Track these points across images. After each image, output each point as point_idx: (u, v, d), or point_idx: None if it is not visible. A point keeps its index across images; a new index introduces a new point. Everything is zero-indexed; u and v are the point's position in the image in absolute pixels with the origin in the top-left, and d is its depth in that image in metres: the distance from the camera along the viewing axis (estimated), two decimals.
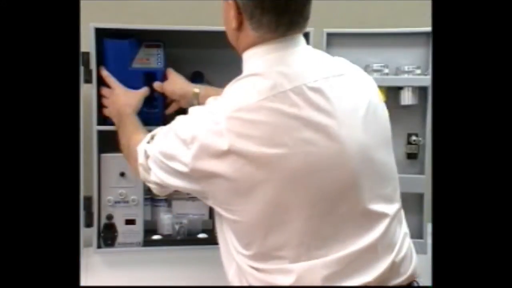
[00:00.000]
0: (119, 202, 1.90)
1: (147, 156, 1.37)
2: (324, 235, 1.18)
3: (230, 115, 1.18)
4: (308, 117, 1.16)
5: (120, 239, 1.88)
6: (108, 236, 1.89)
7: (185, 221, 1.96)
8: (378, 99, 1.28)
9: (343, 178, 1.16)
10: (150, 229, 1.96)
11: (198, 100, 1.67)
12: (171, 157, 1.26)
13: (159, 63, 1.83)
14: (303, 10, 1.25)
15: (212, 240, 1.94)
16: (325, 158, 1.16)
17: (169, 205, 2.02)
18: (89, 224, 1.88)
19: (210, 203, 1.28)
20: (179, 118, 1.32)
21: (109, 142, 1.95)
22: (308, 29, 1.91)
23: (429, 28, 1.76)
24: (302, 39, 1.30)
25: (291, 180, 1.15)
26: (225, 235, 1.31)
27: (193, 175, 1.22)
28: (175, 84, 1.77)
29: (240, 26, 1.26)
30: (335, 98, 1.19)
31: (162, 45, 1.87)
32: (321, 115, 1.17)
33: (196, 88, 1.72)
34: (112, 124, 1.90)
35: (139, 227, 1.92)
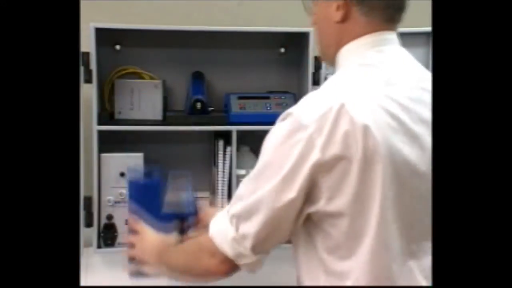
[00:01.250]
0: (119, 202, 1.90)
1: (236, 224, 1.15)
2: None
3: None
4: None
5: (120, 239, 1.88)
6: (108, 236, 1.89)
7: None
8: None
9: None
10: None
11: None
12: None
13: (190, 207, 1.55)
14: None
15: None
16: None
17: None
18: (89, 224, 1.88)
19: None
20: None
21: (109, 142, 1.96)
22: (308, 29, 1.93)
23: (429, 28, 1.75)
24: (396, 39, 1.23)
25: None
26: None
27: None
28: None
29: (346, 16, 1.18)
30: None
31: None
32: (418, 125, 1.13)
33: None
34: (112, 124, 1.90)
35: None
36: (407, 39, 1.93)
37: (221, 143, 1.92)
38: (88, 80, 1.84)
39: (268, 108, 1.97)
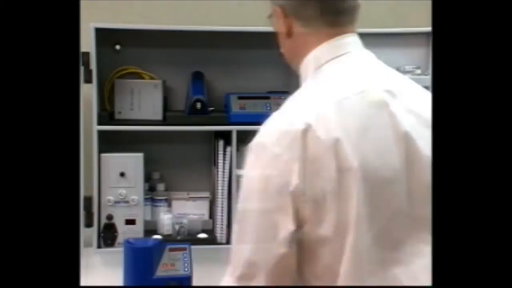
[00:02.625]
0: (119, 202, 1.90)
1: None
2: None
3: None
4: None
5: (120, 239, 1.88)
6: (108, 236, 1.89)
7: (185, 221, 1.96)
8: None
9: None
10: (150, 229, 1.96)
11: None
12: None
13: (186, 269, 1.59)
14: None
15: (211, 240, 1.95)
16: None
17: (169, 205, 2.03)
18: (89, 224, 1.88)
19: None
20: None
21: (109, 142, 1.96)
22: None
23: (429, 28, 1.76)
24: (357, 41, 1.20)
25: None
26: None
27: None
28: None
29: (290, 31, 1.20)
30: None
31: (188, 248, 1.67)
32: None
33: None
34: (112, 124, 1.90)
35: (139, 227, 1.92)
36: (407, 39, 1.94)
37: (221, 143, 1.92)
38: (88, 80, 1.84)
39: (268, 108, 1.96)
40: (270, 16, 1.27)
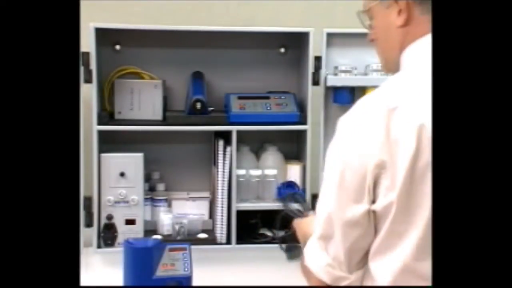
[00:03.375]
0: (119, 202, 1.90)
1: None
2: None
3: None
4: None
5: (120, 239, 1.88)
6: (108, 236, 1.89)
7: (185, 221, 1.96)
8: None
9: None
10: (150, 229, 1.96)
11: None
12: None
13: (186, 269, 1.59)
14: None
15: (211, 240, 1.95)
16: None
17: (169, 205, 2.03)
18: (89, 224, 1.88)
19: None
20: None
21: (109, 142, 1.96)
22: (308, 29, 1.94)
23: None
24: None
25: None
26: None
27: None
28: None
29: (409, 18, 1.14)
30: None
31: (188, 248, 1.68)
32: None
33: None
34: (112, 124, 1.91)
35: (139, 227, 1.92)
36: None
37: (221, 143, 1.92)
38: (88, 80, 1.84)
39: (268, 108, 1.97)
40: (363, 12, 1.23)
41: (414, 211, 1.06)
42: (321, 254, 1.14)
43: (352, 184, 1.08)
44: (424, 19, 1.13)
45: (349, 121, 1.12)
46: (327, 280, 1.13)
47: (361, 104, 1.12)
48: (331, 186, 1.12)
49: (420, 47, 1.14)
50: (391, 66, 1.21)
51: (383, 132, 1.05)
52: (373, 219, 1.09)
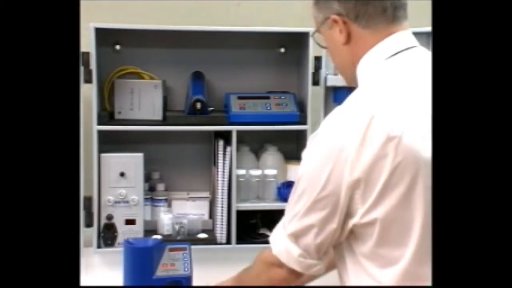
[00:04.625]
0: (119, 202, 1.90)
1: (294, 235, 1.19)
2: None
3: None
4: None
5: (120, 239, 1.88)
6: (108, 236, 1.89)
7: (185, 221, 1.96)
8: None
9: None
10: (150, 229, 1.96)
11: None
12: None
13: (186, 269, 1.57)
14: None
15: (211, 240, 1.95)
16: None
17: (169, 205, 2.03)
18: (89, 224, 1.88)
19: None
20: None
21: (109, 142, 1.96)
22: (308, 29, 1.93)
23: (429, 28, 1.75)
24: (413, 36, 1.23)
25: None
26: None
27: None
28: None
29: (349, 36, 1.20)
30: None
31: (188, 248, 1.66)
32: None
33: None
34: (112, 124, 1.91)
35: (139, 227, 1.92)
36: None
37: (221, 143, 1.92)
38: (88, 80, 1.84)
39: (268, 108, 1.97)
40: (316, 31, 1.28)
41: (406, 222, 1.09)
42: (291, 246, 1.20)
43: (326, 202, 1.13)
44: (366, 33, 1.19)
45: (324, 134, 1.14)
46: (299, 269, 1.20)
47: (334, 116, 1.15)
48: (305, 194, 1.17)
49: (370, 60, 1.19)
50: (351, 81, 1.26)
51: (359, 146, 1.07)
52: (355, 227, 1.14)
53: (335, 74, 1.96)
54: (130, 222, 1.91)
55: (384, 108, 1.09)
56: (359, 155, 1.07)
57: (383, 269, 1.12)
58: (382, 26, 1.18)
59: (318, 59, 1.95)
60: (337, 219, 1.13)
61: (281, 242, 1.21)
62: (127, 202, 1.90)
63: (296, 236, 1.19)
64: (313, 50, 1.93)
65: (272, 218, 2.03)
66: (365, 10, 1.17)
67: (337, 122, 1.13)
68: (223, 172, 1.92)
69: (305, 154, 1.19)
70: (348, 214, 1.13)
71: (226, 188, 1.93)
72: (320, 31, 1.27)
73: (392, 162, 1.06)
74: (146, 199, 1.96)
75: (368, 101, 1.12)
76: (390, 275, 1.11)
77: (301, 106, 2.00)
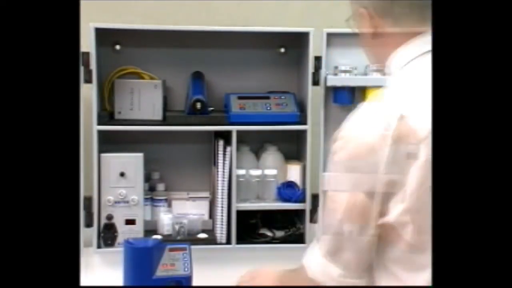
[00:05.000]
0: (119, 202, 1.90)
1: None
2: None
3: None
4: None
5: (120, 239, 1.88)
6: (108, 236, 1.89)
7: (185, 221, 1.96)
8: None
9: None
10: (150, 229, 1.96)
11: None
12: None
13: (186, 269, 1.58)
14: None
15: (211, 240, 1.95)
16: None
17: (169, 205, 2.03)
18: (89, 224, 1.88)
19: None
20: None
21: (109, 142, 1.96)
22: (308, 29, 1.94)
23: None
24: None
25: None
26: None
27: None
28: None
29: (377, 31, 1.20)
30: None
31: (188, 248, 1.67)
32: None
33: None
34: (112, 124, 1.91)
35: (139, 227, 1.92)
36: None
37: (221, 143, 1.92)
38: (88, 80, 1.84)
39: (268, 108, 1.97)
40: (350, 19, 1.28)
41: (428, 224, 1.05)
42: (329, 267, 1.15)
43: (361, 204, 1.10)
44: (393, 30, 1.18)
45: (355, 137, 1.12)
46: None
47: (361, 116, 1.14)
48: (339, 203, 1.13)
49: (398, 58, 1.18)
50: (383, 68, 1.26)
51: (390, 146, 1.06)
52: (386, 229, 1.11)
53: (335, 74, 1.97)
54: (130, 222, 1.91)
55: (414, 108, 1.08)
56: (390, 156, 1.06)
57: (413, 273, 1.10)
58: (409, 25, 1.18)
59: (318, 59, 1.95)
60: (373, 223, 1.10)
61: (318, 265, 1.16)
62: (127, 202, 1.90)
63: (332, 253, 1.14)
64: (313, 50, 1.93)
65: (272, 218, 2.04)
66: (392, 9, 1.17)
67: (366, 122, 1.12)
68: (223, 172, 1.92)
69: (334, 157, 1.15)
70: (381, 215, 1.10)
71: (226, 188, 1.93)
72: (353, 17, 1.27)
73: (425, 162, 1.04)
74: (146, 199, 1.96)
75: (398, 100, 1.11)
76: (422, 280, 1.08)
77: (301, 106, 2.00)
